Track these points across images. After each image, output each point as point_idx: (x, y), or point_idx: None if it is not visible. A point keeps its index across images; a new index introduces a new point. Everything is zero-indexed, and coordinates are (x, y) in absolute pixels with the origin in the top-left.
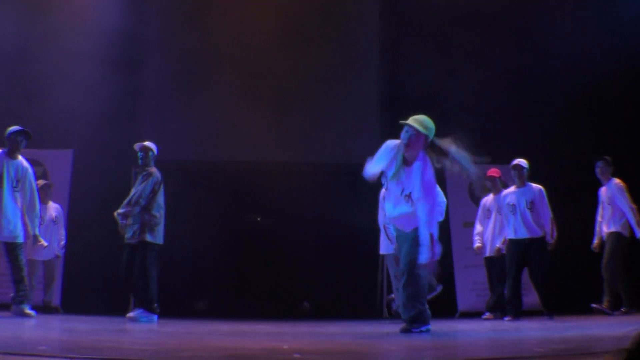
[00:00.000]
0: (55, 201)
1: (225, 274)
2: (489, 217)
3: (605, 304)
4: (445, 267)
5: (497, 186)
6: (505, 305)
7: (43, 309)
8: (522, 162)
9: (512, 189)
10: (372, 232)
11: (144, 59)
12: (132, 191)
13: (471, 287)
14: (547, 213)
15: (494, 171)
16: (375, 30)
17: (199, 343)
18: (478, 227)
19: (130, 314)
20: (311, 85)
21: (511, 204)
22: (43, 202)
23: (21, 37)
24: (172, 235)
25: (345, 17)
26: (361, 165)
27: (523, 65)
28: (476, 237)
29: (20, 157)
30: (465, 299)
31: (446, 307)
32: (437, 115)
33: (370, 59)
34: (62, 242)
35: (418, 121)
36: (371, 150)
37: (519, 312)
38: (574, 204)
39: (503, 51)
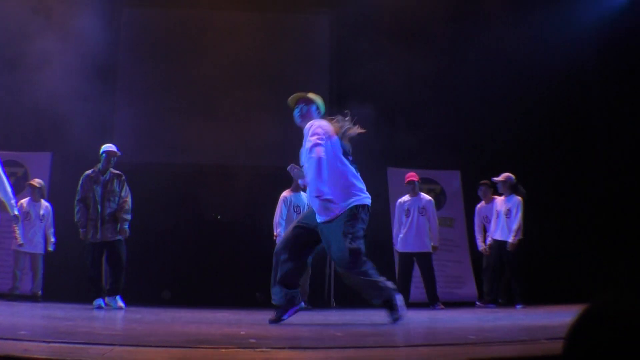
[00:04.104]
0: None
1: (188, 266)
2: (407, 217)
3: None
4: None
5: (415, 189)
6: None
7: (29, 297)
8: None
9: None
10: None
11: (118, 67)
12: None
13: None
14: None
15: (412, 175)
16: (327, 34)
17: (164, 329)
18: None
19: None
20: (266, 92)
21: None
22: (34, 199)
23: (1, 43)
24: (141, 232)
25: (298, 24)
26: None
27: (484, 65)
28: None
29: None
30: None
31: None
32: (384, 111)
33: (322, 62)
34: (52, 240)
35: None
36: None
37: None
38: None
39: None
